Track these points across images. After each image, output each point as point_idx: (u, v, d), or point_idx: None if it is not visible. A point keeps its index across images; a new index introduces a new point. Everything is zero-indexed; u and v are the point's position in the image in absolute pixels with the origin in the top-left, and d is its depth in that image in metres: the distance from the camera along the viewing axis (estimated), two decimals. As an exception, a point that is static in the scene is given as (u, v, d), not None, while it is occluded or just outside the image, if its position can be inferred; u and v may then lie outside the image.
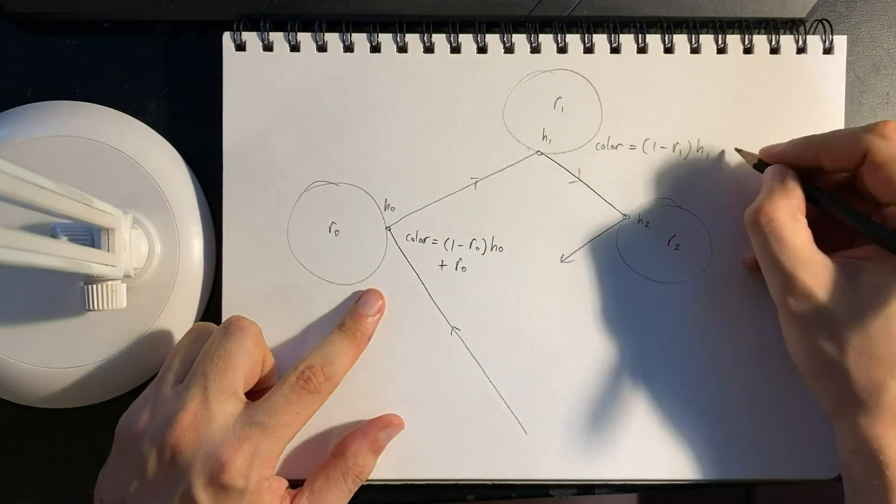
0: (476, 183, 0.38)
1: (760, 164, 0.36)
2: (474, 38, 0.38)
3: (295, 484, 0.34)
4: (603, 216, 0.38)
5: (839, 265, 0.32)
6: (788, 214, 0.32)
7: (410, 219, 0.38)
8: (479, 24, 0.38)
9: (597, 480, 0.38)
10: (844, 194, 0.34)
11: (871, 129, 0.32)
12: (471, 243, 0.38)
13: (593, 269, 0.38)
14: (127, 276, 0.34)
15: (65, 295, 0.36)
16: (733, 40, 0.38)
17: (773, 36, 0.38)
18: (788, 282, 0.31)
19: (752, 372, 0.37)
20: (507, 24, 0.38)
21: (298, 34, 0.38)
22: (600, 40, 0.38)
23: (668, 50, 0.38)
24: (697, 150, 0.38)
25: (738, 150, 0.37)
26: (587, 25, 0.38)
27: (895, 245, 0.31)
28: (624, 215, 0.38)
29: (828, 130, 0.34)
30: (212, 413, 0.32)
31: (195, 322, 0.38)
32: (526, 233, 0.38)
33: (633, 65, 0.38)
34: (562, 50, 0.38)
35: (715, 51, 0.38)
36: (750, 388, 0.37)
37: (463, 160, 0.38)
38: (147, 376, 0.38)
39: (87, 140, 0.37)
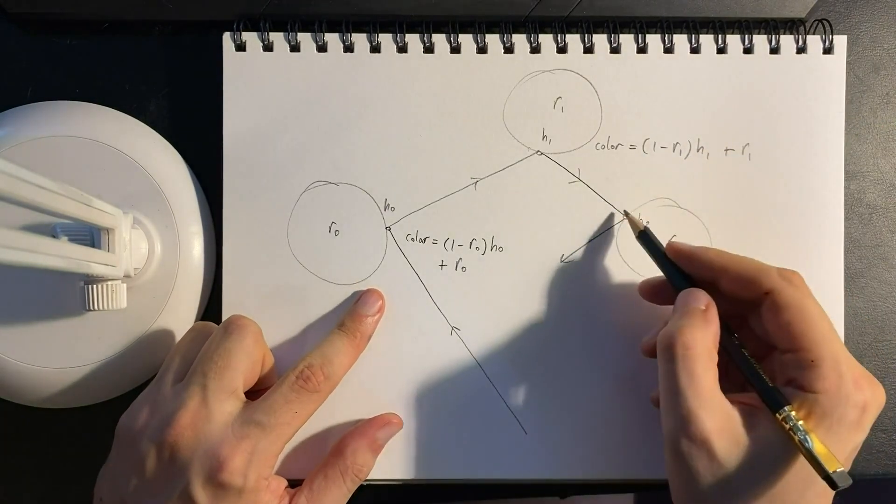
0: (476, 183, 0.38)
1: (643, 235, 0.36)
2: (474, 38, 0.38)
3: (294, 483, 0.34)
4: (603, 216, 0.38)
5: (738, 412, 0.30)
6: (705, 350, 0.30)
7: (410, 219, 0.38)
8: (479, 24, 0.38)
9: (597, 480, 0.38)
10: (736, 326, 0.34)
11: (779, 270, 0.31)
12: (471, 243, 0.38)
13: (593, 269, 0.38)
14: (127, 276, 0.34)
15: (65, 295, 0.36)
16: (733, 40, 0.38)
17: (773, 36, 0.38)
18: (687, 421, 0.29)
19: (752, 372, 0.37)
20: (507, 24, 0.38)
21: (298, 34, 0.38)
22: (600, 40, 0.38)
23: (668, 50, 0.38)
24: (697, 150, 0.38)
25: (627, 214, 0.37)
26: (587, 25, 0.38)
27: (774, 405, 0.29)
28: (624, 215, 0.38)
29: (735, 254, 0.33)
30: (211, 412, 0.32)
31: (195, 322, 0.38)
32: (526, 233, 0.38)
33: (633, 65, 0.38)
34: (562, 50, 0.38)
35: (715, 51, 0.38)
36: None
37: (463, 160, 0.38)
38: (147, 376, 0.38)
39: (87, 140, 0.37)
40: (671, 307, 0.33)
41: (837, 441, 0.29)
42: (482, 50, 0.38)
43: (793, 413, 0.29)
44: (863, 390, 0.29)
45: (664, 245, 0.35)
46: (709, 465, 0.29)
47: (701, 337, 0.31)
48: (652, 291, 0.36)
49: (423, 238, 0.38)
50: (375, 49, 0.38)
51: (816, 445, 0.28)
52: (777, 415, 0.29)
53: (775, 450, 0.29)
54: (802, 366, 0.30)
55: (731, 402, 0.31)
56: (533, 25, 0.38)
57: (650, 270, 0.37)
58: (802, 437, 0.28)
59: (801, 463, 0.29)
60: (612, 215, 0.38)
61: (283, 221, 0.38)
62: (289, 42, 0.38)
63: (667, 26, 0.38)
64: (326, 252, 0.38)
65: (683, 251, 0.34)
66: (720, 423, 0.30)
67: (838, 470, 0.27)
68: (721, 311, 0.32)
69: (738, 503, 0.29)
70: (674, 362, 0.30)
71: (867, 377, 0.30)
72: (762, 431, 0.30)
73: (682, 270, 0.34)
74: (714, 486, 0.29)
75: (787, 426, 0.29)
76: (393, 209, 0.38)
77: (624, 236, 0.38)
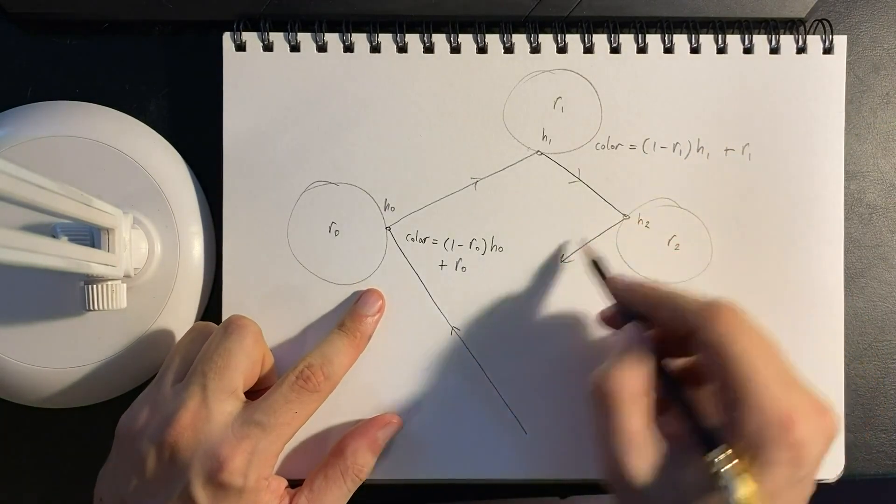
0: (476, 183, 0.38)
1: (595, 265, 0.36)
2: (474, 38, 0.38)
3: (294, 483, 0.34)
4: (603, 216, 0.38)
5: (671, 451, 0.30)
6: (633, 394, 0.30)
7: (410, 219, 0.38)
8: (479, 24, 0.38)
9: (597, 480, 0.38)
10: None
11: (701, 308, 0.30)
12: (471, 243, 0.38)
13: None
14: (127, 276, 0.34)
15: (65, 295, 0.36)
16: (733, 40, 0.38)
17: (773, 36, 0.38)
18: (615, 466, 0.29)
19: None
20: (507, 24, 0.38)
21: (298, 34, 0.38)
22: (600, 40, 0.38)
23: (668, 50, 0.38)
24: (697, 150, 0.38)
25: (585, 244, 0.37)
26: (587, 25, 0.38)
27: (704, 448, 0.28)
28: (624, 215, 0.38)
29: (667, 290, 0.32)
30: (211, 412, 0.32)
31: (195, 322, 0.38)
32: (526, 233, 0.38)
33: (633, 65, 0.38)
34: (562, 50, 0.38)
35: (715, 51, 0.38)
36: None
37: (463, 160, 0.38)
38: (147, 376, 0.38)
39: (87, 140, 0.37)
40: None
41: (771, 481, 0.27)
42: (482, 50, 0.38)
43: (721, 457, 0.28)
44: (793, 429, 0.27)
45: (608, 277, 0.35)
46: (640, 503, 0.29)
47: (629, 382, 0.30)
48: (609, 321, 0.36)
49: (423, 238, 0.38)
50: (375, 49, 0.38)
51: (739, 494, 0.27)
52: (704, 457, 0.28)
53: (705, 492, 0.28)
54: (727, 406, 0.29)
55: (671, 436, 0.30)
56: (533, 25, 0.38)
57: (650, 271, 0.38)
58: (726, 485, 0.27)
59: None
60: (611, 215, 0.38)
61: (283, 221, 0.38)
62: (289, 42, 0.38)
63: (667, 26, 0.38)
64: (326, 252, 0.38)
65: (621, 287, 0.34)
66: (646, 466, 0.29)
67: None
68: (673, 342, 0.32)
69: None
70: (601, 407, 0.30)
71: (806, 410, 0.28)
72: (692, 473, 0.29)
73: (623, 305, 0.34)
74: None
75: (713, 471, 0.28)
76: (393, 209, 0.38)
77: (624, 236, 0.38)
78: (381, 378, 0.37)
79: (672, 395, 0.31)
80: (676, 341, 0.32)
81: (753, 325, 0.30)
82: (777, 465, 0.28)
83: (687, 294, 0.31)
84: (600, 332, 0.38)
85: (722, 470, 0.28)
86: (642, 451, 0.29)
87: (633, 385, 0.30)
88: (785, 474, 0.28)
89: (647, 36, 0.38)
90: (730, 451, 0.28)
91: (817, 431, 0.28)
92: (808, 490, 0.29)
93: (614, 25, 0.38)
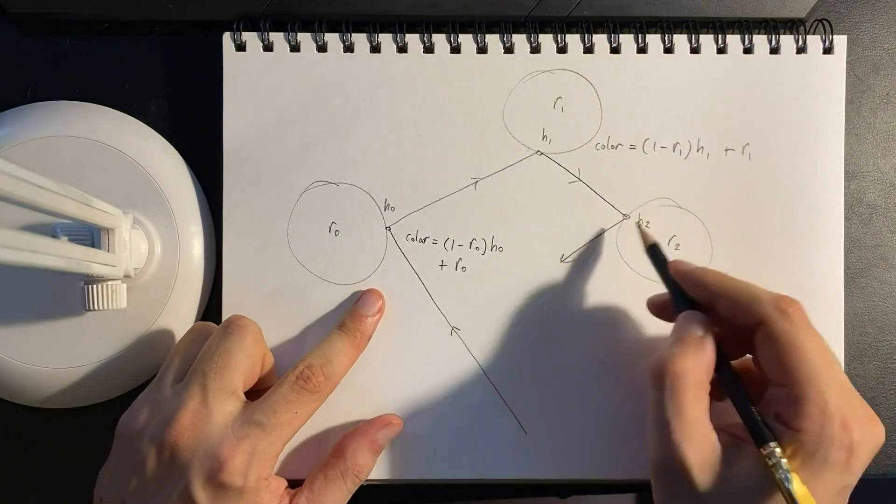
0: (476, 183, 0.38)
1: (653, 249, 0.35)
2: (474, 38, 0.38)
3: (294, 484, 0.34)
4: (603, 216, 0.38)
5: (724, 444, 0.30)
6: (695, 380, 0.30)
7: (410, 219, 0.38)
8: (479, 24, 0.38)
9: (597, 480, 0.38)
10: (742, 351, 0.33)
11: (774, 300, 0.30)
12: (471, 243, 0.38)
13: (593, 269, 0.38)
14: (127, 276, 0.34)
15: (65, 295, 0.36)
16: (733, 40, 0.38)
17: (773, 36, 0.38)
18: (670, 451, 0.29)
19: (752, 372, 0.37)
20: (507, 24, 0.38)
21: (298, 34, 0.38)
22: (600, 40, 0.38)
23: (668, 50, 0.38)
24: (697, 150, 0.38)
25: (638, 226, 0.37)
26: (587, 25, 0.38)
27: (759, 439, 0.29)
28: (624, 215, 0.38)
29: (734, 279, 0.32)
30: (211, 412, 0.32)
31: (195, 322, 0.38)
32: (526, 233, 0.38)
33: (633, 65, 0.38)
34: (562, 50, 0.38)
35: (715, 51, 0.38)
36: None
37: (463, 160, 0.38)
38: (147, 376, 0.38)
39: (87, 140, 0.37)
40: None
41: (821, 483, 0.28)
42: (482, 50, 0.38)
43: (777, 450, 0.28)
44: (851, 431, 0.28)
45: (670, 261, 0.34)
46: (688, 495, 0.29)
47: (693, 367, 0.30)
48: (658, 308, 0.35)
49: (423, 238, 0.38)
50: (375, 49, 0.38)
51: (796, 486, 0.27)
52: (761, 450, 0.29)
53: (757, 485, 0.29)
54: (788, 401, 0.29)
55: (722, 431, 0.30)
56: (533, 25, 0.38)
57: (650, 271, 0.37)
58: (783, 476, 0.28)
59: (781, 501, 0.28)
60: (611, 215, 0.38)
61: (283, 221, 0.38)
62: (289, 42, 0.38)
63: (667, 26, 0.38)
64: (326, 252, 0.38)
65: (683, 271, 0.33)
66: (703, 454, 0.29)
67: None
68: (727, 335, 0.32)
69: None
70: (662, 391, 0.30)
71: (860, 416, 0.29)
72: (745, 465, 0.29)
73: (684, 291, 0.33)
74: None
75: (770, 463, 0.28)
76: (393, 209, 0.38)
77: (624, 236, 0.38)
78: (382, 378, 0.37)
79: (729, 386, 0.31)
80: (734, 334, 0.32)
81: (816, 330, 0.30)
82: (832, 466, 0.28)
83: (755, 285, 0.31)
84: (600, 332, 0.38)
85: (781, 462, 0.28)
86: (700, 439, 0.29)
87: (697, 371, 0.30)
88: (836, 477, 0.28)
89: (647, 36, 0.38)
90: (787, 447, 0.28)
91: (870, 438, 0.29)
92: (843, 500, 0.30)
93: (614, 25, 0.38)
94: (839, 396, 0.29)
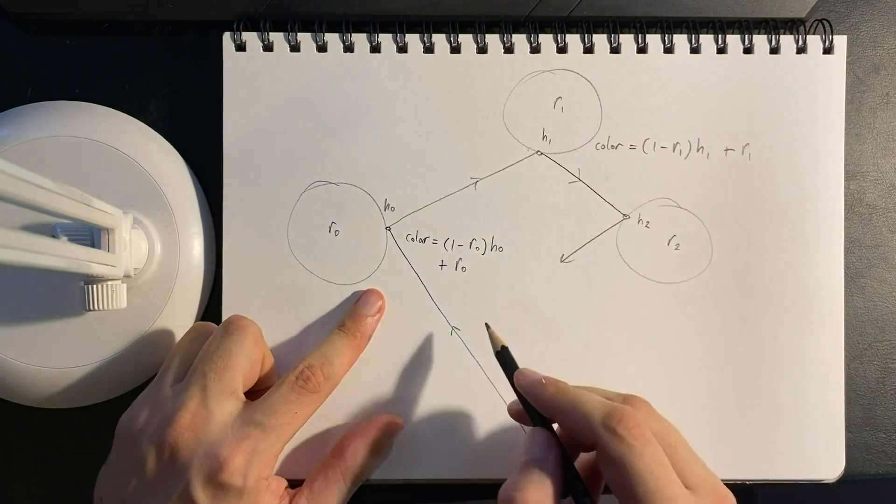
0: (476, 183, 0.38)
1: (503, 351, 0.34)
2: (474, 38, 0.38)
3: (294, 484, 0.34)
4: (603, 216, 0.38)
5: None
6: None
7: (410, 219, 0.38)
8: (479, 24, 0.38)
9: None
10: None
11: (604, 419, 0.29)
12: (471, 243, 0.38)
13: (593, 269, 0.38)
14: (127, 276, 0.34)
15: (65, 295, 0.36)
16: (733, 40, 0.38)
17: (773, 36, 0.38)
18: None
19: (751, 372, 0.37)
20: (507, 24, 0.38)
21: (298, 34, 0.38)
22: (600, 40, 0.38)
23: (668, 50, 0.38)
24: (697, 150, 0.38)
25: (488, 327, 0.35)
26: (587, 25, 0.38)
27: None
28: (624, 215, 0.38)
29: (573, 393, 0.31)
30: (211, 412, 0.32)
31: (195, 322, 0.38)
32: (526, 233, 0.38)
33: (633, 65, 0.38)
34: (562, 50, 0.38)
35: (715, 51, 0.38)
36: (750, 387, 0.37)
37: (463, 160, 0.38)
38: (147, 376, 0.38)
39: (87, 140, 0.37)
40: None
41: None
42: (482, 50, 0.38)
43: None
44: None
45: (515, 372, 0.33)
46: None
47: (535, 497, 0.29)
48: (518, 415, 0.34)
49: (423, 238, 0.38)
50: (375, 49, 0.38)
51: None
52: None
53: None
54: None
55: None
56: (533, 25, 0.38)
57: (650, 271, 0.38)
58: None
59: None
60: (611, 215, 0.38)
61: (283, 221, 0.38)
62: (289, 42, 0.38)
63: (667, 26, 0.38)
64: (326, 252, 0.38)
65: (525, 385, 0.32)
66: None
67: None
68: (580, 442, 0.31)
69: None
70: None
71: None
72: None
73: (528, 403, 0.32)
74: None
75: None
76: (393, 209, 0.38)
77: (624, 236, 0.38)
78: (382, 378, 0.37)
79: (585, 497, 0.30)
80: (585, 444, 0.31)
81: (658, 425, 0.30)
82: None
83: (593, 398, 0.30)
84: (601, 331, 0.38)
85: None
86: None
87: (542, 500, 0.29)
88: None
89: (647, 36, 0.38)
90: None
91: None
92: None
93: (614, 25, 0.38)
94: None
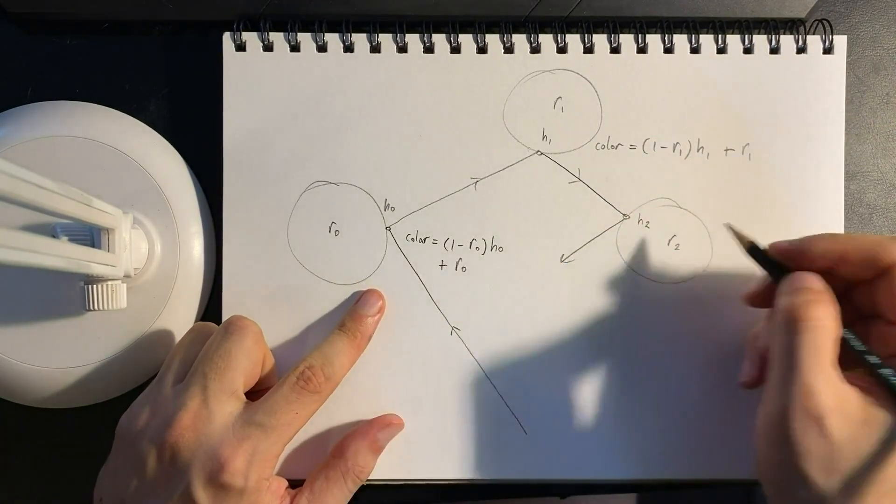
0: (476, 183, 0.38)
1: (753, 249, 0.34)
2: (474, 38, 0.38)
3: (295, 484, 0.34)
4: (603, 216, 0.38)
5: (855, 393, 0.29)
6: (833, 326, 0.29)
7: (410, 219, 0.38)
8: (479, 24, 0.38)
9: (597, 480, 0.38)
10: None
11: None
12: (471, 243, 0.38)
13: (593, 269, 0.38)
14: (127, 276, 0.34)
15: (65, 295, 0.36)
16: (733, 40, 0.38)
17: (773, 36, 0.38)
18: (803, 396, 0.28)
19: (752, 372, 0.37)
20: (507, 24, 0.38)
21: (298, 34, 0.38)
22: (600, 40, 0.38)
23: (668, 50, 0.38)
24: (697, 150, 0.38)
25: (730, 228, 0.35)
26: (587, 25, 0.38)
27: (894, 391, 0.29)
28: (624, 215, 0.38)
29: (845, 235, 0.31)
30: (211, 412, 0.32)
31: (195, 322, 0.38)
32: (526, 233, 0.38)
33: (633, 65, 0.38)
34: (562, 50, 0.38)
35: (715, 51, 0.38)
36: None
37: (463, 160, 0.38)
38: (147, 376, 0.38)
39: (87, 140, 0.37)
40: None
41: None
42: (482, 50, 0.38)
43: None
44: None
45: (753, 244, 0.33)
46: (819, 443, 0.28)
47: (828, 314, 0.29)
48: (757, 299, 0.34)
49: (423, 238, 0.38)
50: (375, 49, 0.38)
51: None
52: None
53: (891, 434, 0.28)
54: None
55: (853, 389, 0.29)
56: (533, 25, 0.38)
57: (650, 271, 0.38)
58: None
59: None
60: (612, 215, 0.38)
61: (283, 221, 0.38)
62: (289, 42, 0.38)
63: (667, 26, 0.38)
64: (326, 252, 0.38)
65: (788, 250, 0.32)
66: (836, 401, 0.28)
67: None
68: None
69: (843, 485, 0.28)
70: (798, 334, 0.29)
71: None
72: (878, 415, 0.28)
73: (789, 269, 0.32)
74: (820, 465, 0.28)
75: None
76: (393, 209, 0.38)
77: (624, 236, 0.38)
78: (382, 378, 0.37)
79: (852, 341, 0.30)
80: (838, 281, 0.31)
81: None
82: None
83: (867, 235, 0.31)
84: (601, 331, 0.38)
85: None
86: (832, 386, 0.28)
87: (832, 318, 0.29)
88: None
89: (647, 36, 0.38)
90: None
91: None
92: None
93: (614, 25, 0.38)
94: None
